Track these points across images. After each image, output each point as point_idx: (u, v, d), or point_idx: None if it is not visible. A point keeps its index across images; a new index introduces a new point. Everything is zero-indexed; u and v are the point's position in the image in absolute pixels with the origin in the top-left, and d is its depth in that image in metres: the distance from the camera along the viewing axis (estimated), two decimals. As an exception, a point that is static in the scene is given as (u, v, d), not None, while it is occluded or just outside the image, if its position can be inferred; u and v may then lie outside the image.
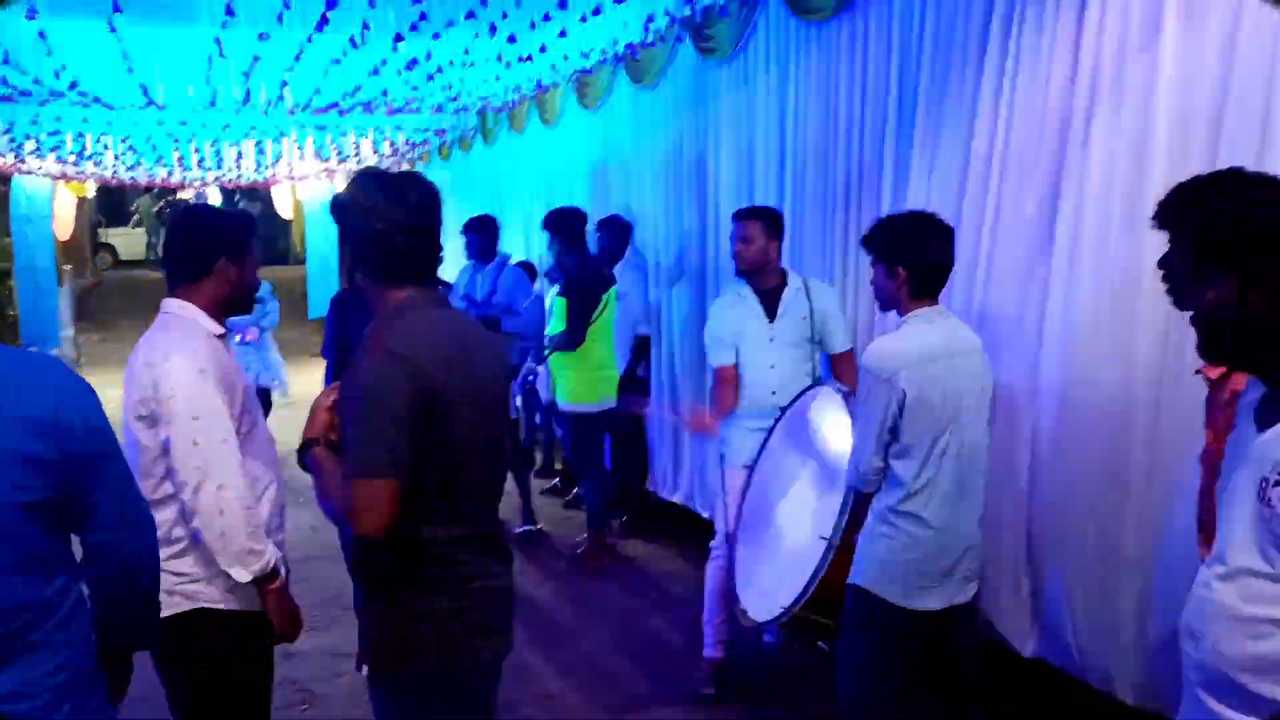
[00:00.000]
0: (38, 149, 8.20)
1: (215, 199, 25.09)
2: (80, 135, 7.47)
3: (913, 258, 2.55)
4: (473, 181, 8.84)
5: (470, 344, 2.03)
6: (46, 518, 1.44)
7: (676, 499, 5.43)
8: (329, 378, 3.87)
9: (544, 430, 6.78)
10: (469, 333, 2.09)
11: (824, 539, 2.89)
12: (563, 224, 5.07)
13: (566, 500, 6.18)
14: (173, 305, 2.25)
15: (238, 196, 25.42)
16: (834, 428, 3.16)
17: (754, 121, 4.55)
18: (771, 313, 3.60)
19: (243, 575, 2.13)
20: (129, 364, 2.19)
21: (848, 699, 2.74)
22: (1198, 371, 1.96)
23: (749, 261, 3.59)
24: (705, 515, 4.68)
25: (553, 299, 5.28)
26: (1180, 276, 1.42)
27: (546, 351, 5.16)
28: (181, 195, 16.64)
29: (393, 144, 9.43)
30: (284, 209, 14.86)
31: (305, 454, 2.00)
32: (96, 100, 5.89)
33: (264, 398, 5.81)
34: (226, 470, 2.11)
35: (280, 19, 3.71)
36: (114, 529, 1.55)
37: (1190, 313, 1.43)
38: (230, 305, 2.31)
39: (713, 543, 3.78)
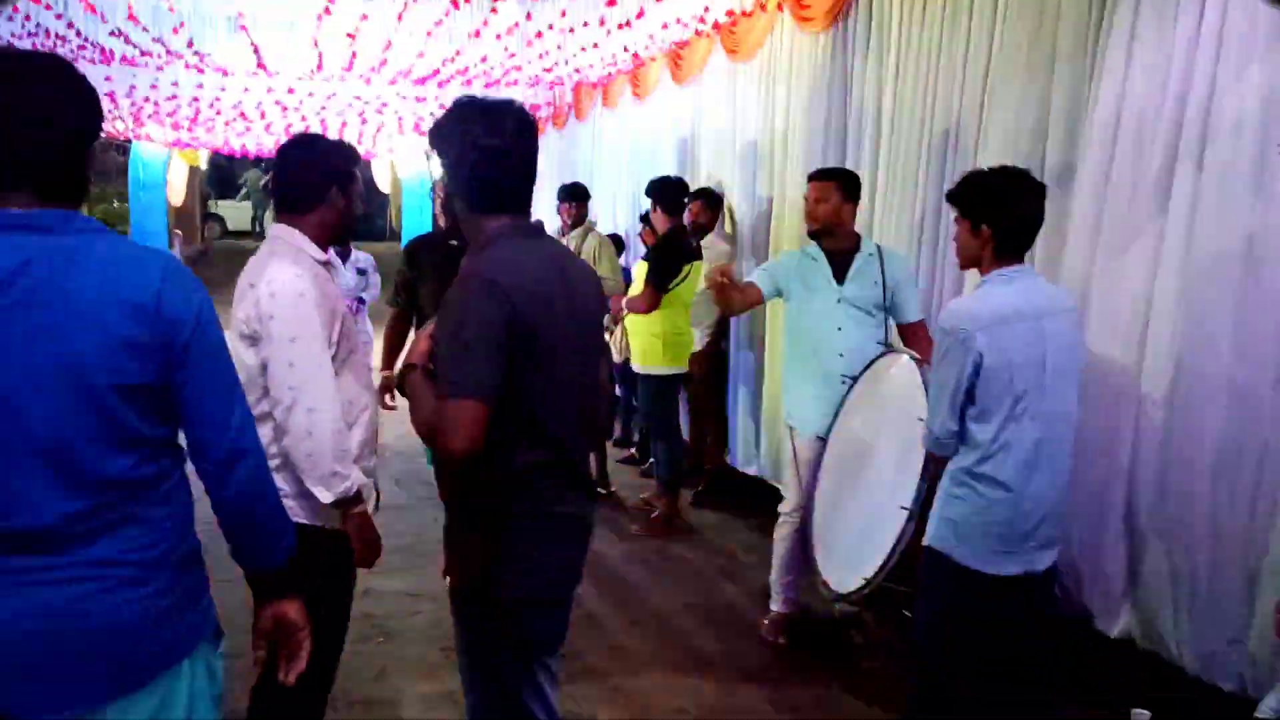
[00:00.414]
0: (155, 113, 8.60)
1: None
2: (195, 100, 7.80)
3: (1000, 214, 2.48)
4: (566, 157, 8.95)
5: (567, 274, 2.03)
6: (144, 401, 1.46)
7: (752, 472, 5.43)
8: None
9: (623, 400, 6.84)
10: (566, 263, 2.09)
11: (904, 508, 2.86)
12: (665, 190, 5.19)
13: (642, 469, 6.21)
14: (280, 230, 2.31)
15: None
16: (909, 394, 3.11)
17: (848, 92, 4.50)
18: (841, 275, 3.56)
19: (326, 496, 2.17)
20: (238, 285, 2.26)
21: (922, 660, 2.70)
22: None
23: (821, 220, 3.56)
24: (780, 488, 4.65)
25: (636, 267, 5.36)
26: None
27: (622, 314, 5.23)
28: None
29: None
30: (383, 183, 15.26)
31: (403, 378, 2.07)
32: (208, 62, 6.13)
33: None
34: (319, 393, 2.14)
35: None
36: (207, 426, 1.53)
37: None
38: (336, 234, 2.38)
39: (781, 507, 3.77)
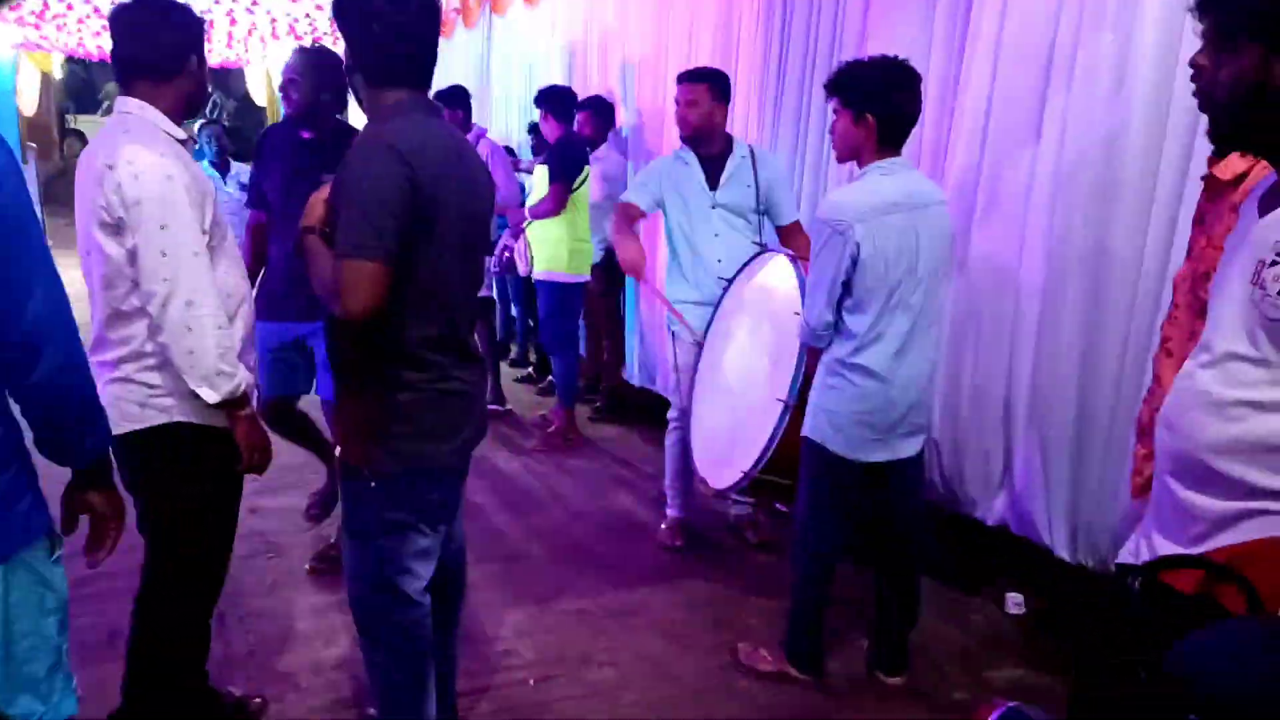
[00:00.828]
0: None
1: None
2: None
3: (884, 105, 2.48)
4: (453, 66, 8.58)
5: (460, 153, 2.02)
6: None
7: (648, 385, 5.44)
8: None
9: (519, 321, 6.73)
10: (459, 143, 2.07)
11: (780, 400, 2.90)
12: (554, 98, 5.11)
13: (539, 387, 6.17)
14: (131, 105, 2.08)
15: (210, 88, 24.80)
16: (784, 291, 3.12)
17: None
18: (714, 181, 3.52)
19: (211, 396, 2.05)
20: (83, 166, 2.06)
21: (803, 548, 2.78)
22: (1204, 177, 1.91)
23: (693, 126, 3.49)
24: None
25: (536, 174, 5.23)
26: (1207, 65, 1.34)
27: (527, 222, 5.10)
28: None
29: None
30: (258, 96, 14.41)
31: (298, 243, 1.99)
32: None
33: None
34: (197, 285, 2.01)
35: None
36: (1, 307, 1.33)
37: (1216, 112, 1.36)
38: (193, 108, 2.19)
39: (670, 414, 3.78)
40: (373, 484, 1.99)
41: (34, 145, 12.98)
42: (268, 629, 3.04)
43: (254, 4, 7.89)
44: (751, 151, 3.55)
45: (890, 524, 2.79)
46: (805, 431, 2.69)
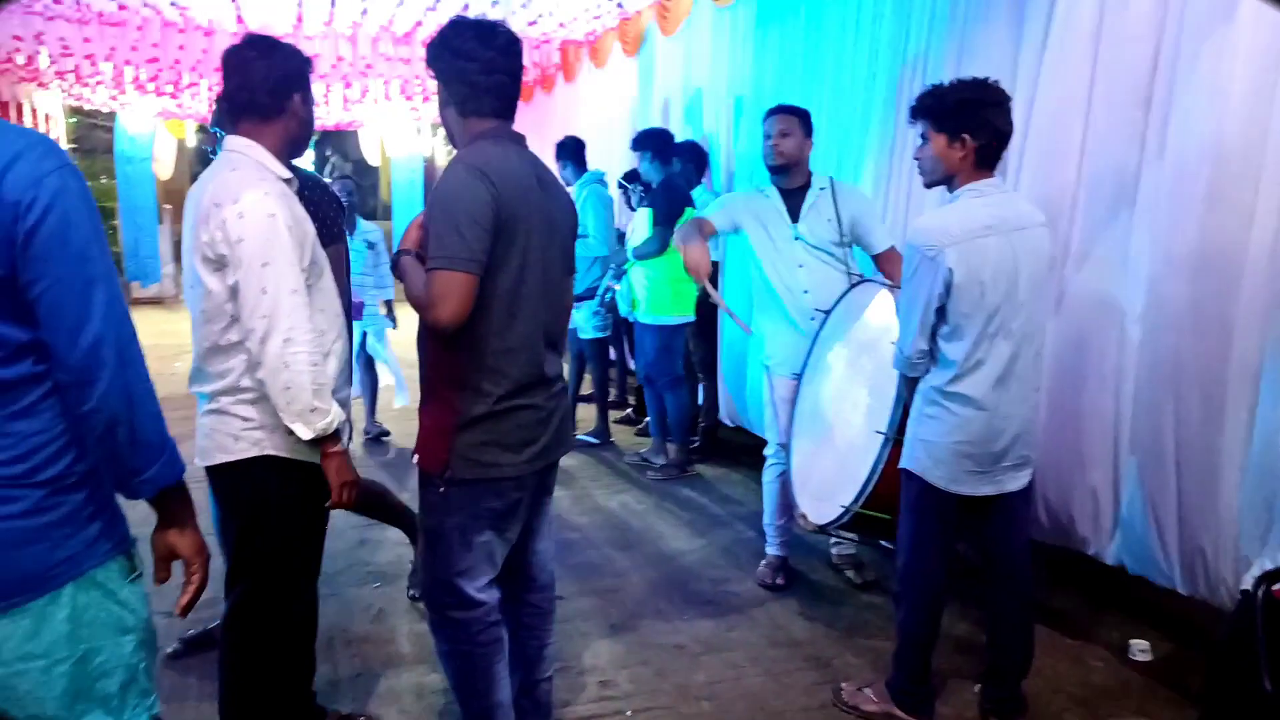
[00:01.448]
0: (137, 78, 8.46)
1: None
2: (176, 63, 7.67)
3: (980, 125, 2.43)
4: (555, 120, 8.84)
5: (544, 181, 2.19)
6: None
7: (741, 424, 5.39)
8: None
9: (618, 362, 6.80)
10: (540, 169, 2.20)
11: (880, 433, 2.84)
12: (651, 141, 5.19)
13: (638, 429, 6.19)
14: (239, 144, 2.14)
15: (328, 151, 26.09)
16: (881, 321, 3.08)
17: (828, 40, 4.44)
18: (795, 214, 3.51)
19: (304, 433, 2.08)
20: (192, 202, 2.11)
21: (905, 587, 2.68)
22: None
23: (786, 155, 3.50)
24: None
25: (636, 217, 5.30)
26: None
27: (629, 263, 5.17)
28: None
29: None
30: (372, 156, 15.10)
31: (396, 262, 2.16)
32: (189, 17, 6.01)
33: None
34: (294, 323, 2.03)
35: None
36: (57, 332, 1.34)
37: None
38: (297, 147, 2.24)
39: (767, 451, 3.73)
40: (441, 489, 2.12)
41: (169, 207, 13.86)
42: (373, 654, 3.11)
43: (368, 68, 8.32)
44: (831, 183, 3.54)
45: (996, 563, 2.68)
46: (904, 463, 2.61)
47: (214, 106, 2.21)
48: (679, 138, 5.63)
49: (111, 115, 12.09)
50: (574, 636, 3.24)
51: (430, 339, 2.07)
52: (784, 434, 3.56)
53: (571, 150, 5.76)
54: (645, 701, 2.84)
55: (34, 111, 10.09)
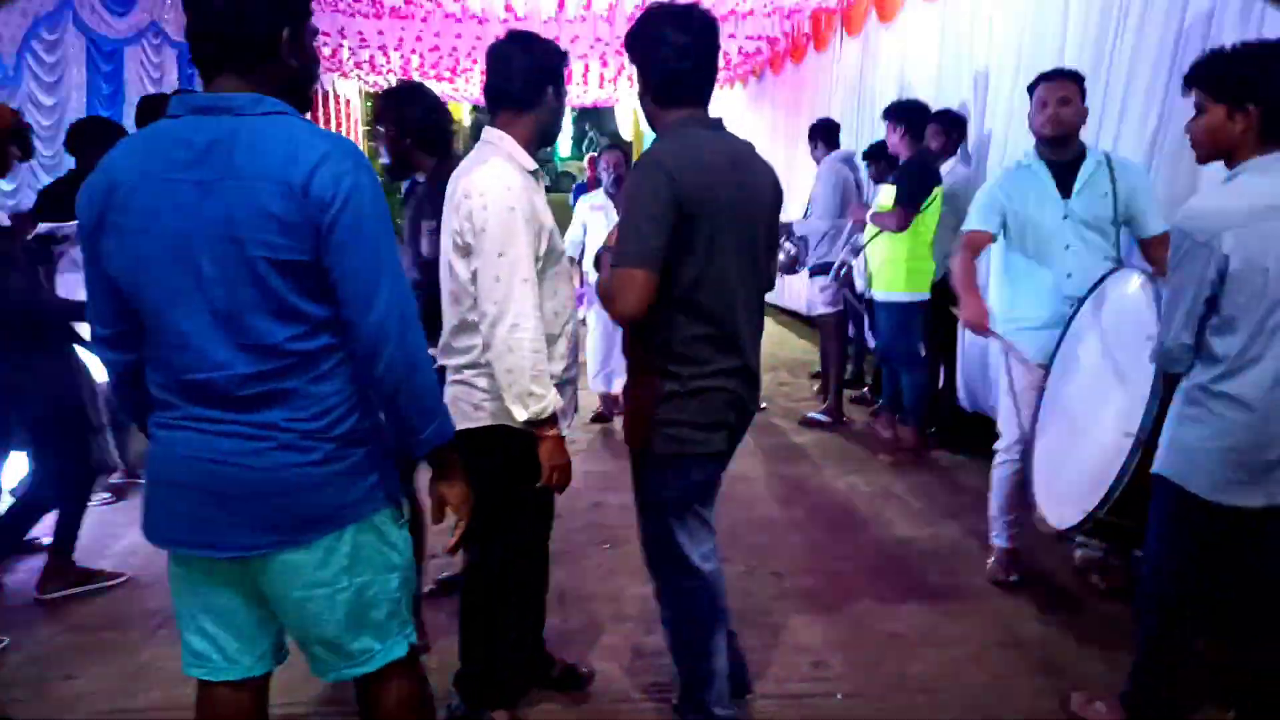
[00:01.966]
0: (421, 65, 9.29)
1: (565, 122, 27.08)
2: (454, 50, 8.34)
3: (1269, 93, 2.15)
4: (807, 92, 8.72)
5: (740, 164, 2.22)
6: (299, 277, 1.53)
7: (977, 409, 5.14)
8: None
9: (855, 340, 6.67)
10: (740, 154, 2.24)
11: (1130, 435, 2.61)
12: (902, 113, 5.03)
13: (873, 409, 6.07)
14: (493, 135, 2.28)
15: (587, 125, 27.24)
16: (1140, 313, 2.82)
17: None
18: (1067, 188, 3.23)
19: (520, 414, 2.19)
20: (449, 191, 2.25)
21: (1151, 604, 2.48)
22: None
23: (1066, 124, 3.22)
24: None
25: (881, 193, 5.18)
26: None
27: (869, 237, 5.09)
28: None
29: (726, 54, 9.54)
30: (625, 130, 15.62)
31: (598, 259, 2.31)
32: (466, 8, 6.50)
33: None
34: (523, 310, 2.15)
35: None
36: (351, 308, 1.56)
37: None
38: (546, 139, 2.36)
39: (998, 444, 3.52)
40: (645, 464, 2.28)
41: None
42: (601, 610, 3.32)
43: (623, 47, 8.65)
44: (1107, 157, 3.26)
45: (1265, 582, 2.42)
46: (1157, 468, 2.39)
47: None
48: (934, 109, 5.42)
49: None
50: (790, 614, 3.28)
51: (626, 328, 2.22)
52: (1026, 426, 3.36)
53: (821, 132, 5.89)
54: (856, 686, 2.84)
55: (336, 97, 11.35)
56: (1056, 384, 3.23)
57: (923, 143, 5.00)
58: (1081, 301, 3.19)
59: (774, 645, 3.08)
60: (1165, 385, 2.49)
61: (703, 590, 2.34)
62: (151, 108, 4.69)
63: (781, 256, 5.45)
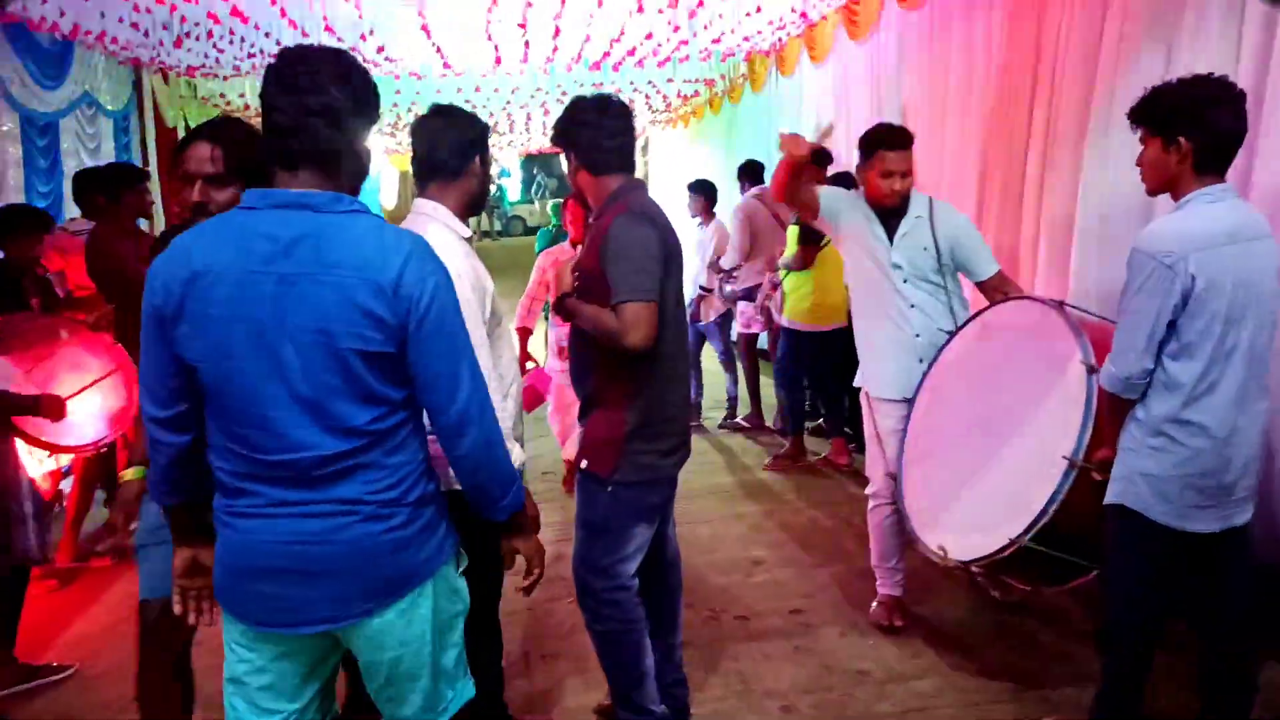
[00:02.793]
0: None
1: (514, 168, 27.14)
2: (394, 105, 8.36)
3: (1199, 126, 2.23)
4: (743, 130, 8.88)
5: (667, 225, 2.54)
6: (383, 366, 1.64)
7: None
8: None
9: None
10: (664, 213, 2.57)
11: (1066, 459, 2.63)
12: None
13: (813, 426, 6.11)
14: (426, 206, 2.33)
15: (535, 169, 27.43)
16: (1049, 339, 2.86)
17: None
18: (891, 235, 3.30)
19: None
20: None
21: (1111, 627, 2.52)
22: None
23: (904, 194, 3.28)
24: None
25: (789, 232, 5.59)
26: None
27: (781, 274, 5.53)
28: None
29: (666, 98, 9.69)
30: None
31: (560, 306, 2.52)
32: (401, 66, 6.53)
33: None
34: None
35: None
36: (436, 395, 1.69)
37: None
38: (475, 206, 2.42)
39: (871, 489, 3.51)
40: (610, 489, 2.48)
41: (393, 233, 15.08)
42: (566, 670, 3.28)
43: (563, 95, 8.73)
44: (930, 206, 3.32)
45: (1220, 599, 2.46)
46: (1116, 498, 2.41)
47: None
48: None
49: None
50: (757, 659, 3.28)
51: (601, 362, 2.48)
52: (892, 464, 3.34)
53: (746, 172, 6.45)
54: (826, 729, 2.84)
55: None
56: (932, 413, 3.22)
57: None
58: (952, 334, 3.24)
59: (744, 692, 3.07)
60: (1116, 413, 2.45)
61: (631, 600, 2.59)
62: (87, 182, 4.65)
63: (728, 289, 6.20)
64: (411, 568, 1.74)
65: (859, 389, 3.52)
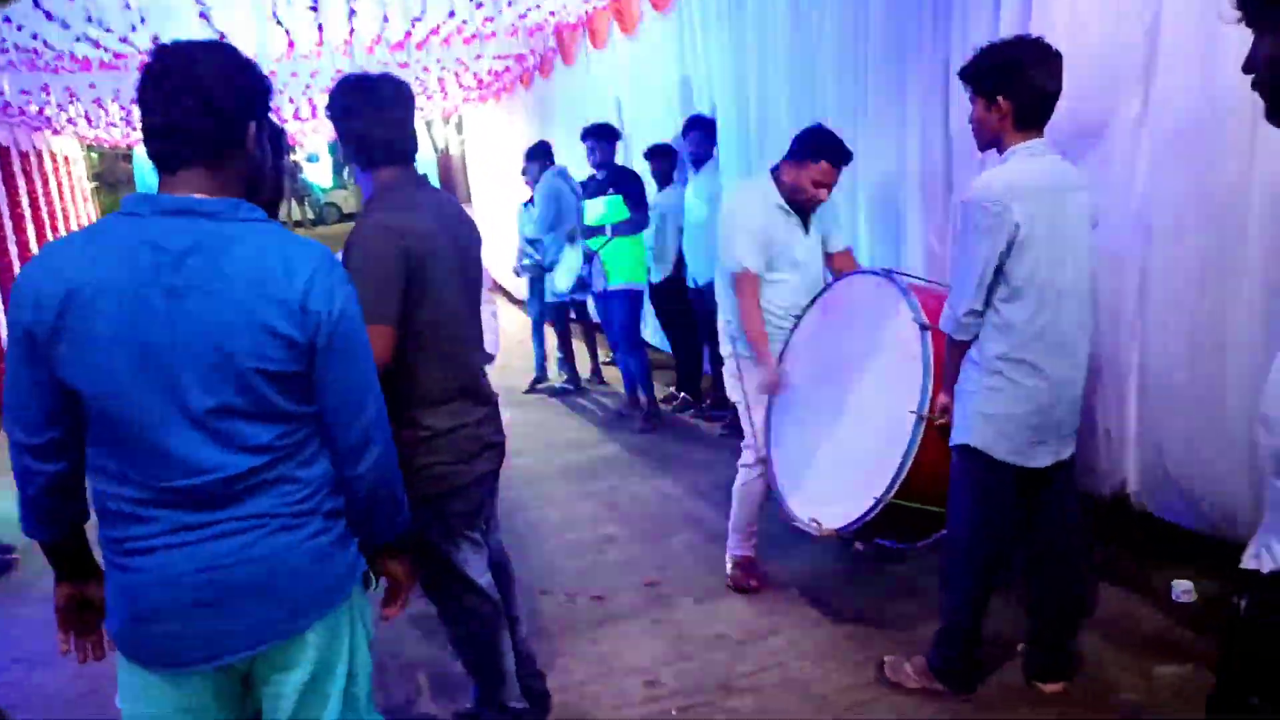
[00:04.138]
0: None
1: (324, 155, 25.86)
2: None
3: (1016, 85, 2.37)
4: (557, 105, 8.79)
5: (448, 215, 2.34)
6: (288, 384, 1.54)
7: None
8: None
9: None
10: (446, 206, 2.37)
11: (914, 413, 2.77)
12: (600, 134, 5.81)
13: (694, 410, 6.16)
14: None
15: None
16: (881, 307, 3.01)
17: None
18: (806, 225, 3.39)
19: None
20: None
21: (953, 565, 2.68)
22: None
23: (819, 203, 3.34)
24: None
25: (606, 201, 5.79)
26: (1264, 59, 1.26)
27: (605, 240, 5.73)
28: (294, 156, 17.40)
29: (477, 76, 9.44)
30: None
31: None
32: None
33: None
34: None
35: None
36: (340, 414, 1.62)
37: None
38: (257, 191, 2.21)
39: (742, 461, 3.54)
40: (414, 503, 2.27)
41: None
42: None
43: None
44: None
45: (1053, 528, 2.65)
46: (961, 439, 2.55)
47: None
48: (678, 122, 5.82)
49: (129, 147, 12.31)
50: (617, 638, 3.30)
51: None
52: (761, 445, 3.39)
53: (536, 154, 6.61)
54: (690, 699, 2.90)
55: (53, 155, 10.30)
56: (791, 390, 3.30)
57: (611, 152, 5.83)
58: (799, 319, 3.35)
59: (606, 673, 3.09)
60: (953, 356, 2.59)
61: (485, 602, 2.48)
62: None
63: (527, 262, 6.65)
64: (329, 584, 1.65)
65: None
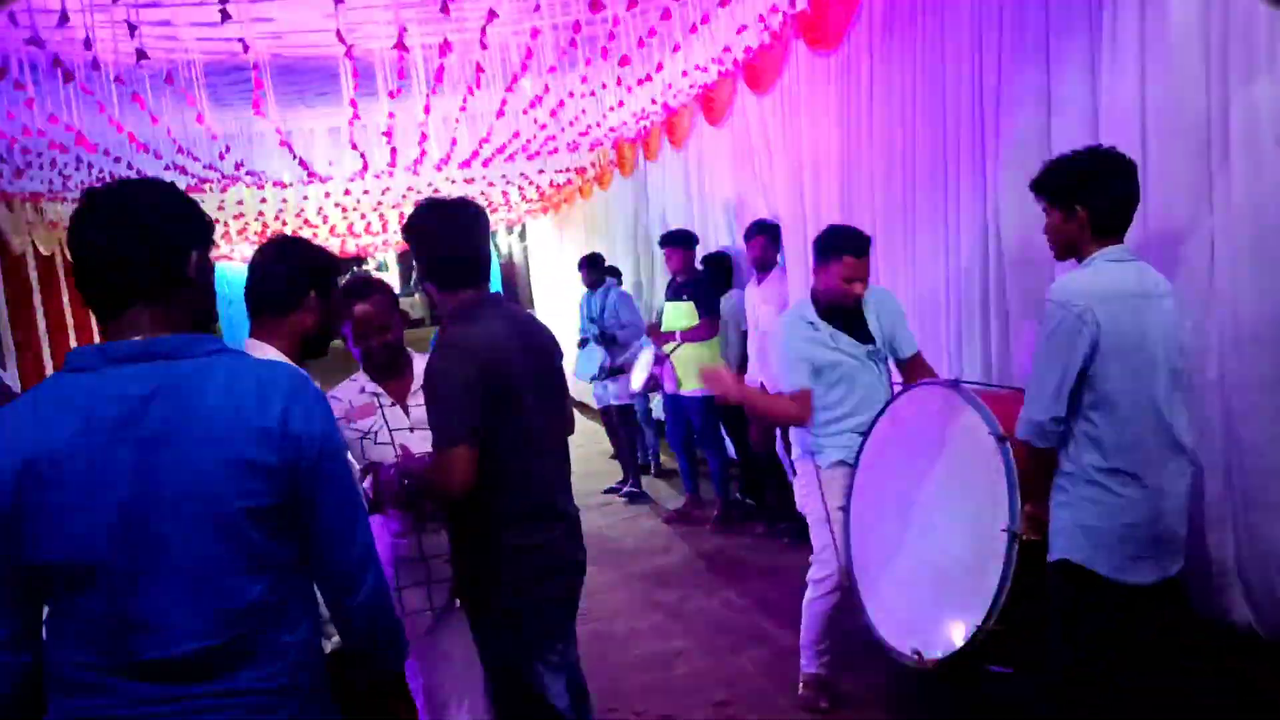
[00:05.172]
0: (227, 232, 9.03)
1: (392, 264, 26.78)
2: (260, 215, 8.17)
3: (1093, 195, 2.36)
4: (614, 213, 9.03)
5: (525, 333, 2.38)
6: (274, 522, 1.45)
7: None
8: None
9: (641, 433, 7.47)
10: (524, 325, 2.42)
11: (1006, 530, 2.58)
12: (678, 240, 5.94)
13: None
14: (250, 345, 2.06)
15: (413, 262, 27.13)
16: (957, 418, 2.90)
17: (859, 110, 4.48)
18: (852, 328, 3.32)
19: None
20: None
21: (1058, 687, 2.50)
22: None
23: (860, 295, 3.29)
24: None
25: (667, 305, 6.04)
26: None
27: (674, 346, 5.80)
28: (365, 265, 18.15)
29: (539, 188, 9.78)
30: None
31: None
32: (264, 178, 6.42)
33: None
34: None
35: (402, 75, 3.95)
36: (332, 546, 1.52)
37: None
38: (311, 345, 2.12)
39: (813, 575, 3.40)
40: (489, 620, 2.32)
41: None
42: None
43: (435, 193, 8.73)
44: (871, 293, 3.36)
45: (1158, 652, 2.54)
46: (1061, 554, 2.40)
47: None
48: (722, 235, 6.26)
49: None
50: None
51: (447, 499, 2.30)
52: (843, 554, 3.25)
53: (586, 264, 7.00)
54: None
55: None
56: (864, 512, 3.19)
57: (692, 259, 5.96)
58: (872, 424, 3.24)
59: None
60: (1040, 469, 2.47)
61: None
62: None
63: (610, 361, 6.78)
64: None
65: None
